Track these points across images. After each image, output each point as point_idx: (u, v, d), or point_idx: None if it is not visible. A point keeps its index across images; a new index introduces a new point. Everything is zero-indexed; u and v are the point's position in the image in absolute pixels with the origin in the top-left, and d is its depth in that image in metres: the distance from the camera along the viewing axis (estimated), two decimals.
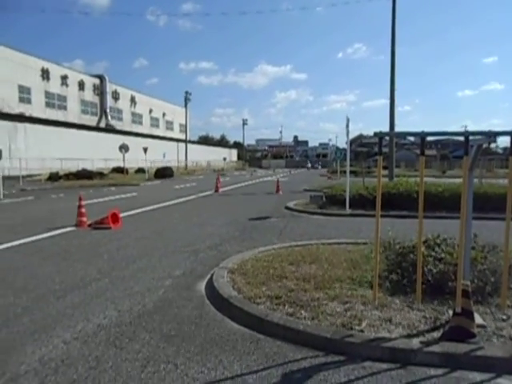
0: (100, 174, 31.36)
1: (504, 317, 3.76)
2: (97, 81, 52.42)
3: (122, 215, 10.38)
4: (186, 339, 3.58)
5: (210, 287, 4.90)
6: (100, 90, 52.79)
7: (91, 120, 50.78)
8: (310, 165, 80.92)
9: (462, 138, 3.43)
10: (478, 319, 3.57)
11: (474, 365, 3.05)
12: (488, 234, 5.27)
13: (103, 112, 53.37)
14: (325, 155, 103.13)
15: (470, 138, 3.52)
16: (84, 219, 9.69)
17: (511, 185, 3.43)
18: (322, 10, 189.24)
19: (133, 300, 4.60)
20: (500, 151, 65.50)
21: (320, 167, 77.93)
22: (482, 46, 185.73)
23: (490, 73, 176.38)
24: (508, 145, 3.45)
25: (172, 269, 5.91)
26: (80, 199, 9.95)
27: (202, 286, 5.11)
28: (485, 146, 4.09)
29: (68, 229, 9.29)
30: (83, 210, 9.83)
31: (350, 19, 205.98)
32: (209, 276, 5.39)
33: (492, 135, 3.49)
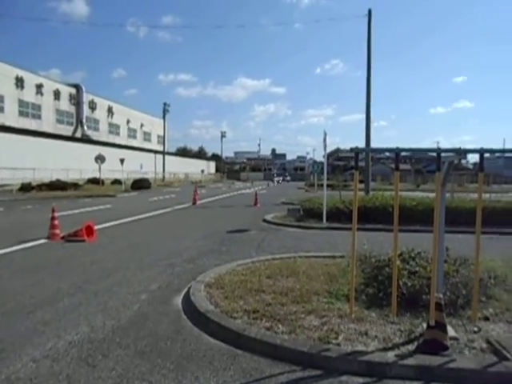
0: (75, 185, 30.67)
1: (475, 329, 3.86)
2: (73, 90, 51.64)
3: (96, 227, 10.16)
4: (162, 355, 3.51)
5: (187, 301, 4.84)
6: (76, 100, 51.98)
7: (67, 130, 49.82)
8: (277, 178, 73.42)
9: (434, 154, 3.56)
10: (451, 331, 3.65)
11: (447, 377, 3.11)
12: (459, 247, 5.42)
13: (79, 122, 52.48)
14: (302, 168, 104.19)
15: (442, 154, 3.66)
16: (57, 231, 9.42)
17: (480, 200, 3.56)
18: (300, 26, 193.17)
19: (107, 315, 4.48)
20: (470, 167, 67.88)
21: (289, 179, 75.83)
22: (452, 66, 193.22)
23: (460, 91, 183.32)
24: (477, 161, 3.59)
25: (148, 283, 5.81)
26: (53, 211, 9.69)
27: (178, 300, 5.03)
28: (455, 162, 4.24)
29: (40, 241, 9.01)
30: (56, 221, 9.57)
31: (327, 36, 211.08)
32: (186, 290, 5.32)
33: (462, 152, 3.62)
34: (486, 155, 6.06)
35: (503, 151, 4.46)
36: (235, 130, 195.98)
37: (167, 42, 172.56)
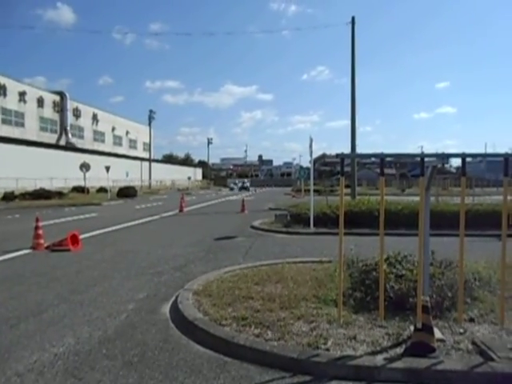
0: (59, 194, 30.18)
1: (461, 330, 3.91)
2: (57, 98, 51.00)
3: (82, 237, 10.01)
4: (150, 365, 3.46)
5: (175, 310, 4.79)
6: (60, 107, 51.31)
7: (50, 138, 49.10)
8: (239, 184, 67.11)
9: (418, 159, 3.62)
10: (438, 334, 3.69)
11: (434, 379, 3.14)
12: (445, 249, 5.49)
13: (63, 129, 51.78)
14: (289, 174, 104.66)
15: (426, 159, 3.72)
16: (41, 241, 9.25)
17: (463, 203, 3.63)
18: (287, 33, 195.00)
19: (93, 326, 4.41)
20: (454, 170, 69.09)
21: (249, 186, 66.18)
22: (434, 72, 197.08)
23: (442, 97, 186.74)
24: (460, 165, 3.66)
25: (135, 292, 5.74)
26: (37, 220, 9.52)
27: (166, 308, 4.98)
28: (439, 166, 4.32)
29: (23, 251, 8.83)
30: (40, 231, 9.39)
31: (313, 43, 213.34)
32: (173, 298, 5.27)
33: (444, 157, 3.69)
34: (469, 159, 6.19)
35: (485, 155, 4.57)
36: (222, 136, 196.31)
37: (154, 49, 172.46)
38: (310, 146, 12.85)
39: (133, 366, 3.44)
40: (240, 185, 66.80)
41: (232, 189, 64.09)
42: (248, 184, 68.37)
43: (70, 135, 52.37)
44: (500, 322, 3.78)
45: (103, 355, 3.67)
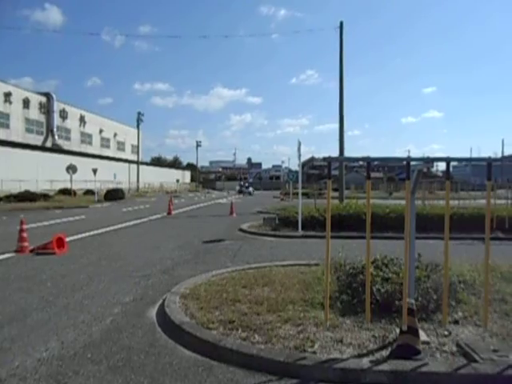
0: (45, 196, 29.74)
1: (446, 332, 3.96)
2: (43, 99, 50.34)
3: (68, 239, 9.88)
4: (136, 369, 3.42)
5: (162, 313, 4.75)
6: (47, 109, 50.64)
7: (36, 139, 48.41)
8: (238, 187, 59.09)
9: (404, 163, 3.66)
10: (423, 336, 3.73)
11: (420, 381, 3.17)
12: (431, 252, 5.56)
13: (50, 131, 51.09)
14: (278, 177, 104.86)
15: (412, 163, 3.77)
16: (25, 244, 9.10)
17: (447, 207, 3.68)
18: (277, 37, 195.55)
19: (78, 330, 4.35)
20: (440, 174, 70.05)
21: (252, 190, 55.31)
22: (422, 77, 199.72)
23: (429, 102, 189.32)
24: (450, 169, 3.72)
25: (121, 295, 5.68)
26: (21, 223, 9.36)
27: (153, 312, 4.94)
28: (424, 170, 4.38)
29: (7, 255, 8.67)
30: (25, 234, 9.24)
31: (302, 47, 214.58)
32: (160, 302, 5.23)
33: (430, 161, 3.74)
34: (454, 163, 6.28)
35: (469, 160, 4.64)
36: (211, 139, 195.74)
37: (144, 52, 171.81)
38: (299, 150, 12.91)
39: (118, 371, 3.40)
40: (238, 188, 56.86)
41: (241, 192, 53.66)
42: (251, 189, 55.58)
43: (56, 137, 51.70)
44: (484, 323, 3.84)
45: (88, 360, 3.62)
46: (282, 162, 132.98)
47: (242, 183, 64.00)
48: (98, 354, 3.74)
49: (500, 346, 3.62)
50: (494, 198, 15.62)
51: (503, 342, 3.77)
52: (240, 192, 53.61)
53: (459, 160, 4.07)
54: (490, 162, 3.56)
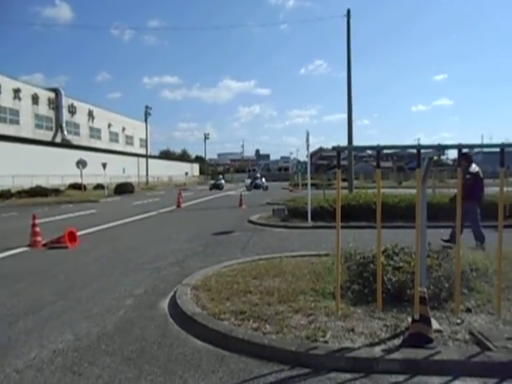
0: (56, 191, 30.07)
1: (458, 321, 3.93)
2: (52, 94, 50.68)
3: (79, 233, 10.00)
4: (149, 360, 3.47)
5: (173, 305, 4.80)
6: (55, 104, 51.01)
7: (46, 135, 48.87)
8: (248, 180, 46.30)
9: (415, 151, 3.61)
10: (435, 324, 3.71)
11: (432, 369, 3.16)
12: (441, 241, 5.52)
13: (59, 127, 51.53)
14: (286, 168, 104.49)
15: (422, 151, 3.72)
16: (38, 239, 9.23)
17: (459, 194, 3.63)
18: (285, 28, 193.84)
19: (91, 322, 4.41)
20: (450, 163, 69.18)
21: (265, 182, 40.75)
22: (432, 65, 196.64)
23: (440, 89, 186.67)
24: (457, 157, 3.66)
25: (133, 287, 5.74)
26: (34, 218, 9.48)
27: (164, 304, 4.99)
28: (435, 158, 4.32)
29: (21, 249, 8.81)
30: (37, 229, 9.37)
31: (311, 37, 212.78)
32: (172, 293, 5.27)
33: (441, 148, 3.69)
34: (465, 150, 6.18)
35: (481, 146, 4.57)
36: (220, 131, 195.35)
37: (152, 45, 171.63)
38: (307, 140, 12.84)
39: (132, 361, 3.45)
40: (249, 181, 44.24)
41: (255, 186, 39.79)
42: (263, 180, 41.24)
43: (65, 132, 52.13)
44: (497, 312, 3.80)
45: (102, 351, 3.67)
46: (291, 153, 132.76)
47: (252, 174, 47.81)
48: (111, 345, 3.80)
49: None
50: (506, 185, 15.41)
51: None
52: (253, 186, 39.86)
53: (471, 147, 4.01)
54: (503, 147, 3.49)
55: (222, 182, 46.57)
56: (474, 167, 7.66)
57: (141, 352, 3.63)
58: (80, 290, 5.64)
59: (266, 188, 39.38)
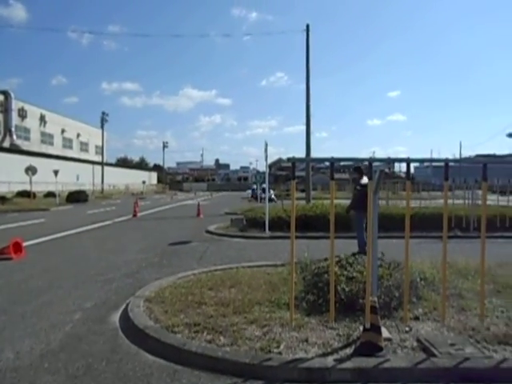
0: (2, 199, 28.36)
1: (407, 329, 4.07)
2: (1, 97, 48.05)
3: (26, 244, 9.46)
4: (96, 377, 3.30)
5: (125, 318, 4.62)
6: (4, 107, 48.32)
7: None
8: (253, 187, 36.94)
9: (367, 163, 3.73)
10: (385, 333, 3.82)
11: (382, 377, 3.24)
12: (394, 251, 5.71)
13: (7, 131, 48.76)
14: (246, 178, 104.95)
15: (374, 164, 3.85)
16: None
17: (408, 206, 3.78)
18: (247, 39, 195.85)
19: (34, 339, 4.15)
20: (403, 175, 72.25)
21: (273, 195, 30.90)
22: (387, 80, 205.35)
23: (394, 105, 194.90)
24: (412, 170, 3.83)
25: (82, 300, 5.48)
26: None
27: (115, 317, 4.80)
28: (386, 170, 4.48)
29: None
30: None
31: (272, 49, 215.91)
32: (124, 306, 5.08)
33: (391, 162, 3.84)
34: (416, 164, 6.46)
35: (427, 161, 4.81)
36: (180, 140, 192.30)
37: (112, 51, 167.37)
38: (265, 151, 12.95)
39: (77, 380, 3.27)
40: (250, 192, 38.33)
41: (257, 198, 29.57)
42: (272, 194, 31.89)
43: (14, 137, 49.42)
44: (442, 319, 3.97)
45: (45, 370, 3.45)
46: (250, 163, 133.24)
47: (255, 186, 33.72)
48: (55, 363, 3.58)
49: (457, 340, 3.76)
50: (452, 198, 16.29)
51: (460, 335, 3.92)
52: (255, 198, 31.21)
53: (419, 161, 4.19)
54: (447, 162, 3.68)
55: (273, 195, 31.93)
56: (365, 179, 8.00)
57: (87, 369, 3.46)
58: (24, 305, 5.31)
59: (275, 200, 28.61)
